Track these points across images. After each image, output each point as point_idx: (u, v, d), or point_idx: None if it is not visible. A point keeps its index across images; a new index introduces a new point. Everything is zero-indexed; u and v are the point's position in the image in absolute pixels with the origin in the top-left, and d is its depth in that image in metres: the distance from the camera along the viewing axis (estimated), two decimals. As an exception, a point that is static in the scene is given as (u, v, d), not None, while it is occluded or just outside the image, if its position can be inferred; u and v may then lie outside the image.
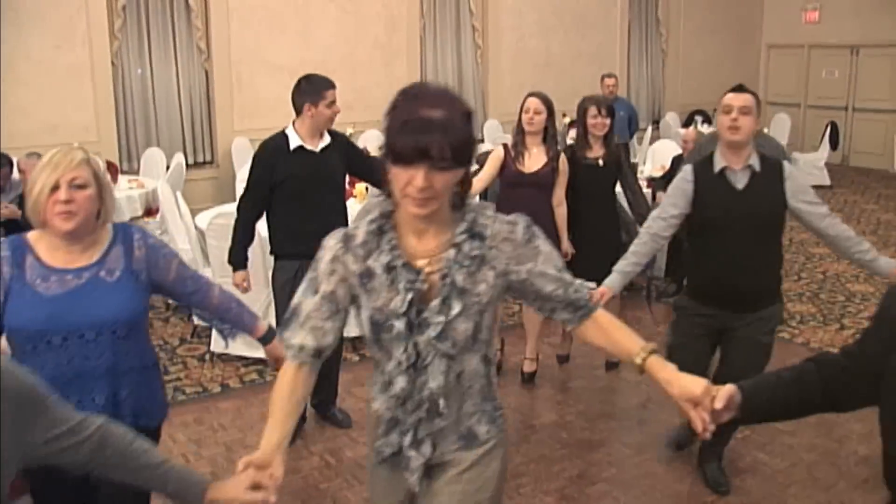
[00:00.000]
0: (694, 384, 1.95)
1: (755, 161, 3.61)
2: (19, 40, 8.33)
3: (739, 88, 3.66)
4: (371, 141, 10.07)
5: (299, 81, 4.34)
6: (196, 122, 9.85)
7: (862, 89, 14.21)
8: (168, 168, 8.65)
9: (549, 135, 5.01)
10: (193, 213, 6.63)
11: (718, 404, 1.90)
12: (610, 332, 2.14)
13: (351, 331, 5.74)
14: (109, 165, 8.10)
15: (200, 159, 9.92)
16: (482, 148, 9.09)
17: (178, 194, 6.93)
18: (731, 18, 14.75)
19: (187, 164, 9.28)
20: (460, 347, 1.99)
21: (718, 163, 3.63)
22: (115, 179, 7.87)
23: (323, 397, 4.74)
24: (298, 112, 4.29)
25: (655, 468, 4.29)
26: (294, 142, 4.27)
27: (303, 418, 4.74)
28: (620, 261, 3.79)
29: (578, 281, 2.12)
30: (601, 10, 12.88)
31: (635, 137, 10.77)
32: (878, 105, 13.86)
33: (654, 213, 3.85)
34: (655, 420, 4.83)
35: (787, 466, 4.22)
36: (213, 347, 5.71)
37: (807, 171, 12.34)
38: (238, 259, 4.45)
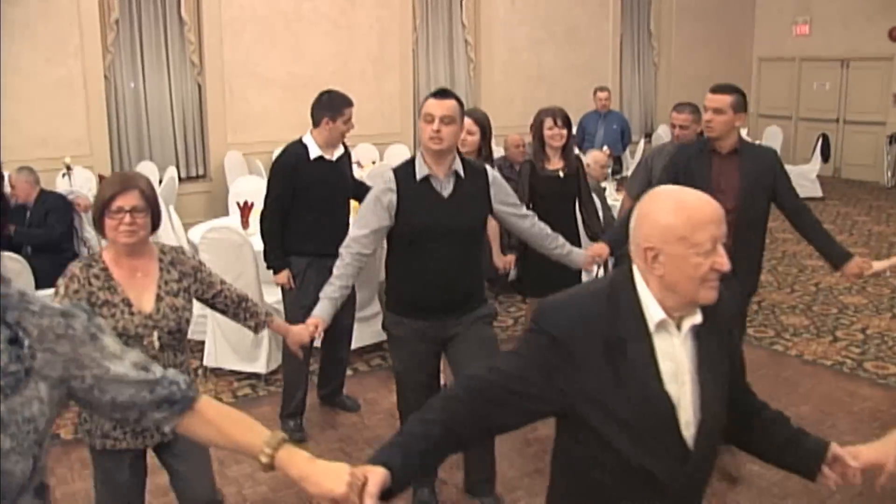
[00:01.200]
0: (334, 481, 1.68)
1: (459, 167, 3.53)
2: (10, 53, 8.30)
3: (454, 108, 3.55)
4: (363, 154, 10.08)
5: (321, 95, 4.68)
6: (189, 135, 9.84)
7: (852, 102, 14.28)
8: (160, 182, 8.63)
9: (482, 156, 4.91)
10: (186, 227, 6.62)
11: (369, 501, 1.69)
12: (221, 425, 1.79)
13: (352, 343, 5.76)
14: (101, 179, 8.09)
15: (193, 173, 9.90)
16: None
17: (171, 208, 6.92)
18: (723, 31, 14.82)
19: (180, 178, 9.27)
20: (13, 498, 1.48)
21: (421, 170, 3.50)
22: (107, 193, 7.84)
23: (334, 386, 5.15)
24: (316, 123, 4.63)
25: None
26: (314, 151, 4.62)
27: (300, 420, 4.85)
28: (327, 286, 3.55)
29: (170, 371, 1.77)
30: (593, 23, 12.92)
31: (628, 150, 10.80)
32: (869, 117, 13.93)
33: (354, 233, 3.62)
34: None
35: (781, 479, 4.21)
36: (206, 362, 5.68)
37: (799, 183, 12.40)
38: (278, 262, 4.70)
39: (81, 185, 7.87)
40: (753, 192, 4.01)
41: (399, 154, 10.19)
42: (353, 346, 5.84)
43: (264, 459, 1.73)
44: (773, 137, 13.17)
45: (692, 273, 1.83)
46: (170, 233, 6.72)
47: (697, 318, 1.91)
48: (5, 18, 8.24)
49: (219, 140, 9.80)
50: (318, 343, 3.50)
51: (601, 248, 4.21)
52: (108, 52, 9.02)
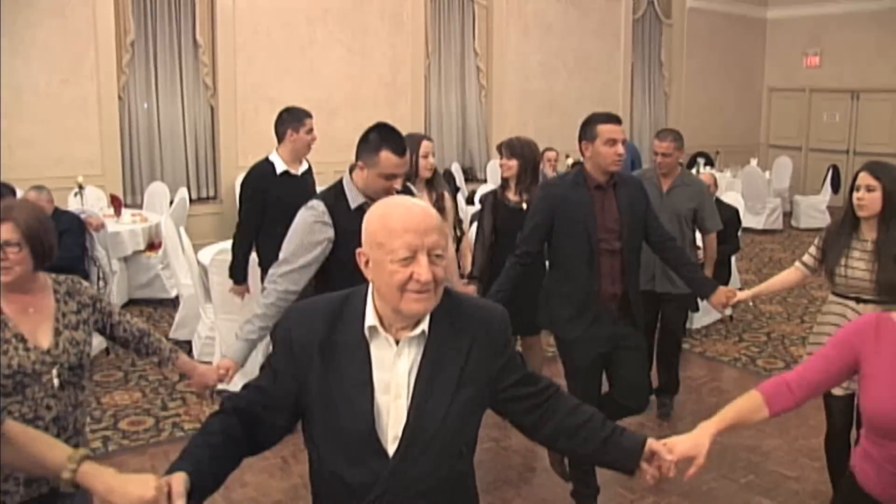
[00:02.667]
0: (142, 488, 1.70)
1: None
2: (28, 73, 8.40)
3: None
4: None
5: (281, 113, 5.01)
6: (200, 157, 9.89)
7: (862, 133, 14.30)
8: (171, 203, 8.68)
9: (436, 180, 4.81)
10: (196, 248, 6.63)
11: (179, 501, 1.70)
12: (23, 445, 1.81)
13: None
14: (113, 199, 8.14)
15: (204, 194, 9.95)
16: (484, 188, 9.11)
17: (181, 229, 6.94)
18: (733, 62, 14.87)
19: (191, 199, 9.31)
20: None
21: (356, 199, 3.41)
22: (118, 213, 7.90)
23: None
24: (281, 138, 4.94)
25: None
26: (280, 167, 4.89)
27: None
28: (246, 324, 3.30)
29: None
30: (604, 52, 12.99)
31: (637, 178, 10.80)
32: (879, 149, 13.89)
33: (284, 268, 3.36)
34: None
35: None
36: (212, 383, 5.67)
37: (809, 213, 12.39)
38: (243, 275, 5.13)
39: (93, 205, 7.92)
40: (633, 224, 3.91)
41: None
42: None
43: (66, 475, 1.77)
44: (783, 168, 13.19)
45: (388, 280, 1.83)
46: (179, 254, 6.74)
47: (417, 331, 1.90)
48: (22, 37, 8.33)
49: (230, 162, 9.85)
50: (225, 385, 3.22)
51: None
52: (122, 73, 9.09)
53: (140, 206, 9.02)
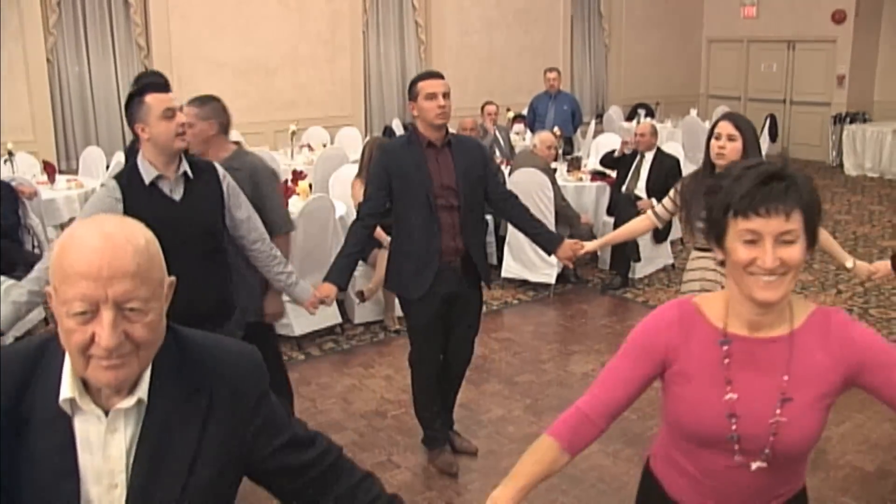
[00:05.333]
0: None
1: (187, 168, 3.25)
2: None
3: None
4: (314, 138, 10.00)
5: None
6: (136, 119, 9.66)
7: (799, 83, 14.50)
8: (108, 167, 8.48)
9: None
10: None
11: None
12: None
13: (296, 329, 5.73)
14: (46, 165, 7.92)
15: (141, 158, 9.73)
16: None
17: (118, 194, 6.78)
18: (673, 13, 14.93)
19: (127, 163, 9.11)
20: None
21: (149, 173, 3.17)
22: (52, 179, 7.69)
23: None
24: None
25: (602, 461, 4.32)
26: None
27: None
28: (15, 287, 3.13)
29: None
30: (544, 4, 12.93)
31: (579, 131, 10.85)
32: (815, 98, 14.16)
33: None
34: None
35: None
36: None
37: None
38: None
39: (24, 172, 7.70)
40: (470, 181, 3.94)
41: (350, 136, 10.14)
42: (305, 330, 5.84)
43: None
44: (722, 118, 13.33)
45: (65, 339, 1.38)
46: (117, 219, 6.60)
47: (132, 400, 1.44)
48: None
49: (167, 124, 9.64)
50: None
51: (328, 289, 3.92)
52: (49, 34, 8.81)
53: (75, 172, 8.79)
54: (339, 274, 3.93)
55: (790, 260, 1.69)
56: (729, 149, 3.56)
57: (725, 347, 1.82)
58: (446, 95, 3.83)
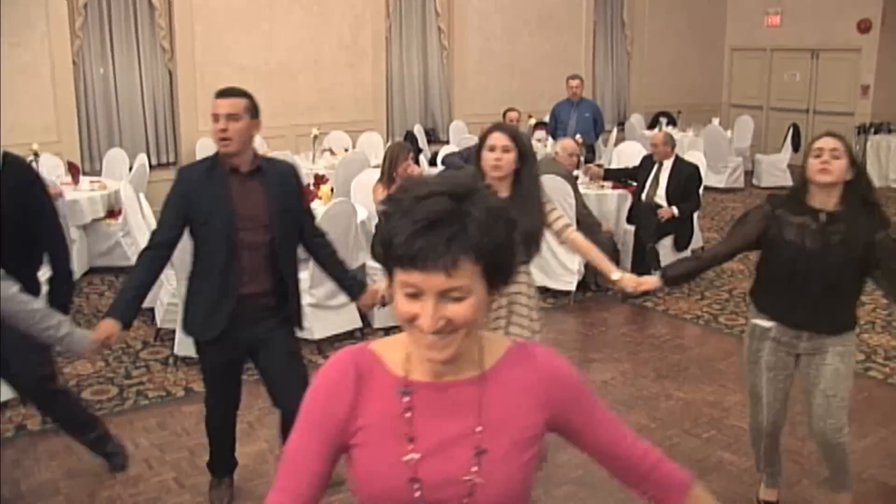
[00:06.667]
0: None
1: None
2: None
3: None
4: (335, 142, 10.03)
5: None
6: (159, 122, 9.74)
7: (822, 92, 14.40)
8: (131, 169, 8.54)
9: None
10: (156, 214, 6.53)
11: None
12: None
13: (316, 333, 5.73)
14: (71, 166, 7.99)
15: (164, 160, 9.80)
16: (447, 150, 9.07)
17: (142, 195, 6.85)
18: (696, 21, 14.88)
19: (150, 165, 9.16)
20: None
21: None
22: (76, 180, 7.76)
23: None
24: None
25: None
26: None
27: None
28: None
29: None
30: (566, 11, 12.92)
31: (601, 139, 10.83)
32: (838, 108, 14.05)
33: None
34: (623, 420, 4.85)
35: (750, 465, 4.25)
36: (176, 351, 5.63)
37: (770, 172, 12.51)
38: None
39: (49, 173, 7.76)
40: (283, 213, 3.51)
41: (372, 141, 10.16)
42: (325, 334, 5.84)
43: None
44: (744, 127, 13.26)
45: None
46: (140, 221, 6.65)
47: None
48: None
49: (190, 127, 9.71)
50: None
51: None
52: (76, 36, 8.89)
53: (99, 173, 8.87)
54: (125, 308, 3.41)
55: (457, 318, 1.41)
56: (505, 160, 3.52)
57: (406, 399, 1.52)
58: (231, 117, 3.45)
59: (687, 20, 14.71)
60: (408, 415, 1.52)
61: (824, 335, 3.44)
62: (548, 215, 3.70)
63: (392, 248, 1.39)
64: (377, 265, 5.77)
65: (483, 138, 3.59)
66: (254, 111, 3.50)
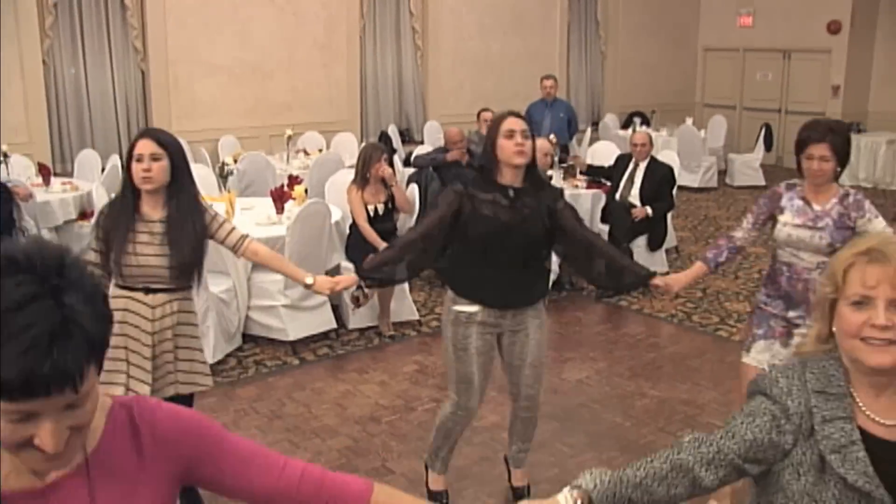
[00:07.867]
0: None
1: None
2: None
3: None
4: (309, 143, 10.00)
5: None
6: (132, 122, 9.65)
7: (794, 92, 14.56)
8: (103, 170, 8.45)
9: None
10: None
11: None
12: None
13: (290, 334, 5.71)
14: (41, 167, 7.91)
15: (136, 161, 9.70)
16: (421, 150, 9.06)
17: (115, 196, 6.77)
18: (669, 22, 14.97)
19: (123, 166, 9.09)
20: None
21: None
22: (47, 182, 7.68)
23: None
24: None
25: (597, 468, 4.31)
26: None
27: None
28: None
29: None
30: (541, 11, 12.96)
31: (575, 139, 10.86)
32: (809, 108, 14.17)
33: None
34: (597, 420, 4.87)
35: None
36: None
37: (743, 171, 12.62)
38: None
39: (19, 174, 7.69)
40: None
41: (346, 142, 10.14)
42: (300, 335, 5.82)
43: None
44: (717, 127, 13.37)
45: None
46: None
47: None
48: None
49: (163, 127, 9.55)
50: None
51: None
52: (46, 36, 8.80)
53: (70, 175, 8.77)
54: None
55: (83, 420, 1.21)
56: (155, 169, 3.39)
57: None
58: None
59: (660, 20, 14.80)
60: None
61: (526, 308, 3.63)
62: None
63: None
64: (351, 266, 5.79)
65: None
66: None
